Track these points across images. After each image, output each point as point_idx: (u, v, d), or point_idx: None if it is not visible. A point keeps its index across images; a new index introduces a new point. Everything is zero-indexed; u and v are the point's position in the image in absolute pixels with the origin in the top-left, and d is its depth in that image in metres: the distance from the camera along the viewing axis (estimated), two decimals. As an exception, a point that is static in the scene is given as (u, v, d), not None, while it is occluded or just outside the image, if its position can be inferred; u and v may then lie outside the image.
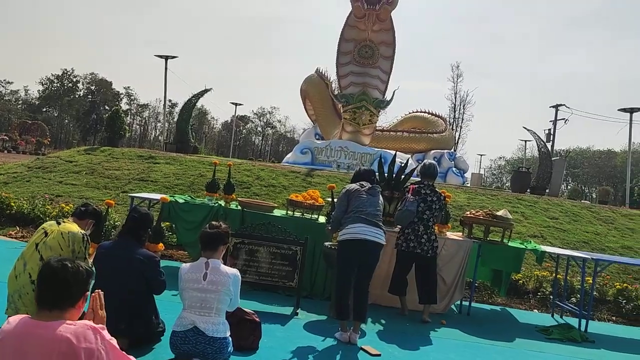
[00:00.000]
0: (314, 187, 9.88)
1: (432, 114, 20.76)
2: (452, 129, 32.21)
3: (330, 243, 5.58)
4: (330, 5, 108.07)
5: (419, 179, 6.06)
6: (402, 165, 6.64)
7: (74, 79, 73.95)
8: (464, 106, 45.46)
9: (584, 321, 6.22)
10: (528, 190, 16.61)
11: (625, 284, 7.81)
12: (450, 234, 6.52)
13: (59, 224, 4.03)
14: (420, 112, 21.07)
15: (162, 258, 6.89)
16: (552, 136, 38.08)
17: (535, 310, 7.21)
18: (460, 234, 6.74)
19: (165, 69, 26.07)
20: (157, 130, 78.39)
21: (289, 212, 6.46)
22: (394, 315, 5.81)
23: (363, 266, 4.76)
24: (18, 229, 8.06)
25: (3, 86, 73.23)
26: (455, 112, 45.27)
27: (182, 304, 3.53)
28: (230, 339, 3.51)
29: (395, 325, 5.46)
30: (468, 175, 21.93)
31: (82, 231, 4.16)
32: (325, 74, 19.03)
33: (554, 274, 7.23)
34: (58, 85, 73.29)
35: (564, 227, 10.76)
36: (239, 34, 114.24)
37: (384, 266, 5.87)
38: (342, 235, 4.79)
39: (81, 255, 3.81)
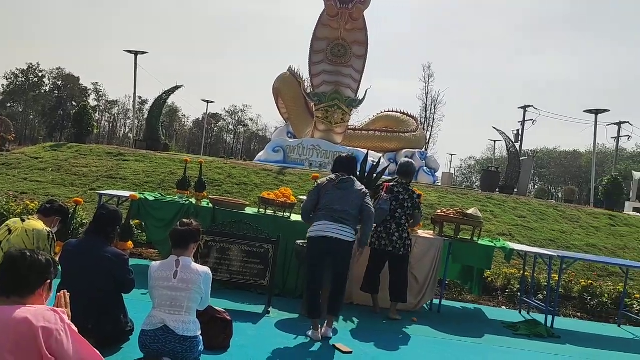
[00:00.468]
0: (286, 185, 9.84)
1: (403, 114, 20.93)
2: (424, 129, 32.63)
3: (302, 241, 5.57)
4: (304, 3, 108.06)
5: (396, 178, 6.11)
6: (374, 164, 6.68)
7: (40, 74, 71.95)
8: (435, 106, 45.97)
9: (550, 317, 6.36)
10: (497, 190, 16.95)
11: (589, 281, 8.04)
12: (421, 232, 6.59)
13: (23, 221, 3.92)
14: (392, 111, 21.22)
15: (132, 256, 6.77)
16: (520, 136, 38.95)
17: (504, 307, 7.34)
18: (432, 232, 6.82)
19: (135, 64, 25.61)
20: (127, 127, 77.10)
21: (260, 210, 6.42)
22: (367, 313, 5.84)
23: (334, 264, 4.76)
24: (-20, 227, 7.80)
25: (-35, 80, 70.88)
26: (426, 112, 45.72)
27: (151, 303, 3.47)
28: (200, 337, 3.47)
29: (367, 323, 5.49)
30: (439, 174, 22.21)
31: (48, 229, 4.06)
32: (298, 73, 19.00)
33: (521, 272, 7.39)
34: (23, 79, 71.16)
35: (532, 225, 11.00)
36: (211, 31, 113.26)
37: (356, 264, 5.88)
38: (308, 233, 4.81)
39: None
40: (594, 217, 12.43)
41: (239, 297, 5.59)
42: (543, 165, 65.10)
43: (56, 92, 71.81)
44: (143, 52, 25.74)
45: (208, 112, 51.01)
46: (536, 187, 61.18)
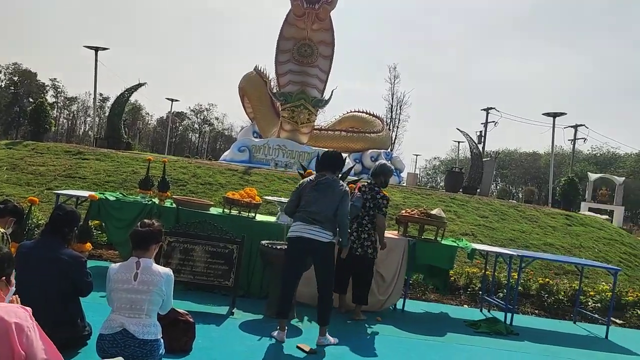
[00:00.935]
0: (251, 185, 9.77)
1: (369, 114, 21.08)
2: (389, 129, 32.94)
3: (267, 241, 5.54)
4: (271, 1, 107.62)
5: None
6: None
7: (-5, 69, 69.29)
8: (400, 107, 46.46)
9: (509, 315, 6.52)
10: (461, 190, 17.25)
11: (547, 279, 8.28)
12: (386, 233, 6.63)
13: (-26, 222, 3.76)
14: (358, 112, 21.33)
15: (91, 258, 6.60)
16: (483, 138, 39.82)
17: (466, 306, 7.48)
18: (396, 232, 6.89)
19: (96, 61, 25.00)
20: (87, 125, 75.04)
21: (225, 210, 6.35)
22: (332, 314, 5.82)
23: (315, 267, 4.75)
24: None
25: None
26: (392, 112, 46.16)
27: (109, 306, 3.38)
28: (161, 341, 3.39)
29: (332, 323, 5.46)
30: (404, 174, 22.50)
31: (2, 229, 3.91)
32: (264, 72, 18.89)
33: (483, 271, 7.55)
34: (-24, 74, 68.42)
35: (493, 225, 11.25)
36: (175, 28, 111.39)
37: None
38: (288, 233, 4.82)
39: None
40: (551, 217, 12.81)
41: (202, 299, 5.51)
42: (505, 166, 66.73)
43: (12, 87, 69.27)
44: (104, 48, 25.16)
45: (172, 110, 50.23)
46: (498, 187, 62.64)
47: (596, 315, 7.29)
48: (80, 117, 78.51)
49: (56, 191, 6.76)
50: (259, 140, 17.03)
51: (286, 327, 4.68)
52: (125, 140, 18.16)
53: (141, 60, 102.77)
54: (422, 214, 6.50)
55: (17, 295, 2.48)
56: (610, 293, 7.20)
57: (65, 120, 77.14)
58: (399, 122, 46.41)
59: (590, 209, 26.17)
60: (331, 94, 16.11)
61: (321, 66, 15.83)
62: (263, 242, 5.52)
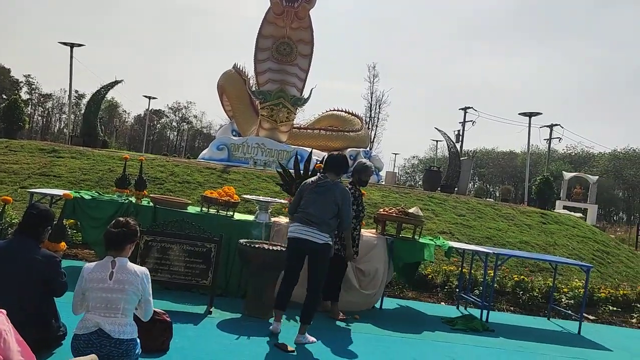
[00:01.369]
0: (230, 184, 9.72)
1: (348, 113, 21.14)
2: (368, 128, 33.10)
3: (245, 240, 5.53)
4: None
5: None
6: (318, 162, 6.72)
7: (-34, 65, 67.54)
8: (379, 106, 46.58)
9: (485, 312, 6.62)
10: (439, 189, 17.42)
11: (522, 276, 8.42)
12: (364, 232, 6.66)
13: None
14: (337, 110, 21.38)
15: (66, 257, 6.51)
16: (461, 137, 40.26)
17: (443, 303, 7.57)
18: (375, 231, 6.93)
19: (71, 57, 24.50)
20: (62, 123, 73.68)
21: (203, 209, 6.32)
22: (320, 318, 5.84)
23: (309, 267, 4.87)
24: None
25: None
26: (371, 111, 46.26)
27: (76, 310, 3.33)
28: (138, 340, 3.36)
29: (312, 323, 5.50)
30: (383, 173, 22.63)
31: (-28, 229, 3.83)
32: (243, 70, 18.81)
33: (460, 268, 7.64)
34: (-53, 70, 66.61)
35: (470, 223, 11.40)
36: (153, 25, 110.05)
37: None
38: (287, 233, 4.98)
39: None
40: (527, 215, 13.03)
41: (180, 298, 5.47)
42: (482, 165, 67.60)
43: (-16, 84, 67.62)
44: (79, 45, 24.65)
45: (150, 108, 49.61)
46: (475, 186, 63.46)
47: (569, 312, 7.45)
48: (55, 114, 77.12)
49: (30, 190, 6.64)
50: (237, 138, 16.96)
51: (282, 319, 4.80)
52: (102, 138, 17.93)
53: (118, 58, 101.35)
54: (400, 212, 6.55)
55: None
56: (583, 290, 7.36)
57: (39, 118, 75.67)
58: (378, 121, 46.58)
59: (564, 207, 26.69)
60: (310, 93, 16.13)
61: (300, 65, 15.84)
62: (241, 240, 5.51)
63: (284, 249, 5.45)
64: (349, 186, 5.87)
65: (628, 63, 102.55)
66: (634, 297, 8.58)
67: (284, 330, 4.99)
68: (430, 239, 6.99)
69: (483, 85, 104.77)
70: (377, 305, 6.56)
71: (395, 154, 67.93)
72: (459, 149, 30.84)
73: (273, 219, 6.32)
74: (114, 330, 3.19)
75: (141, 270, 3.40)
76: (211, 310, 5.25)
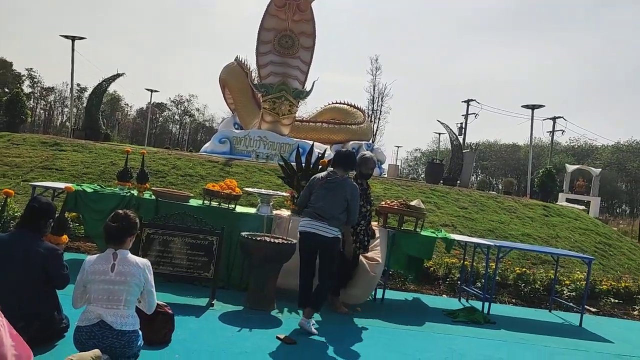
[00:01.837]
0: (232, 177, 9.73)
1: (351, 106, 21.07)
2: (371, 121, 33.02)
3: (247, 233, 5.54)
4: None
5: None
6: (320, 155, 6.71)
7: (-31, 58, 67.52)
8: (382, 99, 46.48)
9: (487, 304, 6.63)
10: (441, 181, 17.41)
11: (524, 269, 8.42)
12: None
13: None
14: (340, 103, 21.31)
15: (68, 250, 6.53)
16: (463, 130, 40.16)
17: (444, 296, 7.58)
18: (376, 223, 6.92)
19: (73, 50, 24.48)
20: (64, 116, 73.67)
21: (205, 201, 6.32)
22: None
23: (319, 259, 5.00)
24: None
25: None
26: (373, 104, 46.18)
27: (76, 303, 3.36)
28: (140, 332, 3.38)
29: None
30: (385, 166, 22.59)
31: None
32: (245, 63, 18.74)
33: (462, 261, 7.65)
34: (-50, 64, 66.57)
35: (473, 216, 11.39)
36: (155, 18, 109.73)
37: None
38: (298, 228, 5.10)
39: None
40: (529, 207, 13.01)
41: (182, 290, 5.49)
42: (485, 158, 67.46)
43: (-13, 77, 67.64)
44: (81, 38, 24.64)
45: (152, 101, 49.58)
46: (478, 178, 63.40)
47: (571, 304, 7.45)
48: (58, 107, 77.07)
49: (32, 183, 6.66)
50: (240, 131, 16.93)
51: (310, 316, 4.86)
52: (104, 132, 17.95)
53: (120, 51, 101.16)
54: (402, 205, 6.55)
55: None
56: (585, 282, 7.36)
57: (42, 111, 75.67)
58: (380, 114, 46.55)
59: (567, 200, 26.64)
60: (312, 86, 16.09)
61: (302, 57, 15.78)
62: (243, 233, 5.51)
63: (285, 242, 5.47)
64: (359, 181, 5.83)
65: (631, 55, 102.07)
66: (636, 290, 8.58)
67: (286, 322, 5.02)
68: (432, 232, 6.99)
69: (485, 78, 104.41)
70: (379, 297, 6.56)
71: (398, 147, 67.78)
72: (461, 141, 30.77)
73: (275, 212, 6.33)
74: (116, 322, 3.20)
75: (143, 261, 3.41)
76: (213, 302, 5.27)
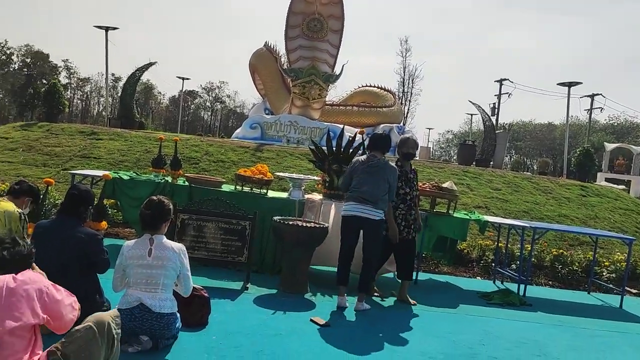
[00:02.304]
0: (263, 162, 9.81)
1: (381, 88, 20.86)
2: (401, 103, 32.65)
3: (279, 217, 5.59)
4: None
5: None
6: (350, 138, 6.68)
7: (8, 51, 69.56)
8: (412, 80, 45.75)
9: (522, 286, 6.54)
10: (474, 163, 17.14)
11: (561, 250, 8.26)
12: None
13: (-7, 202, 3.84)
14: (370, 86, 21.12)
15: (108, 236, 6.72)
16: (496, 110, 39.26)
17: (479, 278, 7.51)
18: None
19: (106, 40, 24.93)
20: (100, 106, 75.36)
21: (237, 187, 6.40)
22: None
23: (363, 242, 5.12)
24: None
25: None
26: (404, 86, 45.49)
27: (116, 287, 3.50)
28: (178, 314, 3.48)
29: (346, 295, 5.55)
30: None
31: (19, 210, 4.00)
32: (274, 48, 18.73)
33: (496, 243, 7.54)
34: (-9, 57, 68.74)
35: (507, 197, 11.19)
36: (185, 6, 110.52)
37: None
38: (341, 212, 5.21)
39: (19, 235, 3.64)
40: (566, 188, 12.70)
41: (216, 275, 5.60)
42: (519, 138, 65.95)
43: (25, 69, 69.68)
44: (114, 28, 25.05)
45: (184, 89, 50.24)
46: (512, 159, 62.11)
47: (611, 285, 7.28)
48: (94, 97, 78.85)
49: (72, 171, 6.86)
50: (270, 117, 16.99)
51: (345, 294, 5.06)
52: (138, 120, 18.31)
53: (151, 39, 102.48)
54: (434, 187, 6.49)
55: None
56: (625, 263, 7.17)
57: (79, 101, 77.60)
58: (411, 96, 45.84)
59: (606, 180, 25.87)
60: (342, 69, 15.97)
61: (331, 41, 15.66)
62: (275, 218, 5.57)
63: (317, 226, 5.50)
64: (398, 163, 5.71)
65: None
66: (680, 271, 8.31)
67: (319, 305, 5.07)
68: (465, 214, 6.91)
69: (519, 55, 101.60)
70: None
71: (429, 129, 67.27)
72: (494, 122, 30.13)
73: (306, 196, 6.36)
74: (155, 305, 3.30)
75: (178, 246, 3.50)
76: (247, 286, 5.36)
